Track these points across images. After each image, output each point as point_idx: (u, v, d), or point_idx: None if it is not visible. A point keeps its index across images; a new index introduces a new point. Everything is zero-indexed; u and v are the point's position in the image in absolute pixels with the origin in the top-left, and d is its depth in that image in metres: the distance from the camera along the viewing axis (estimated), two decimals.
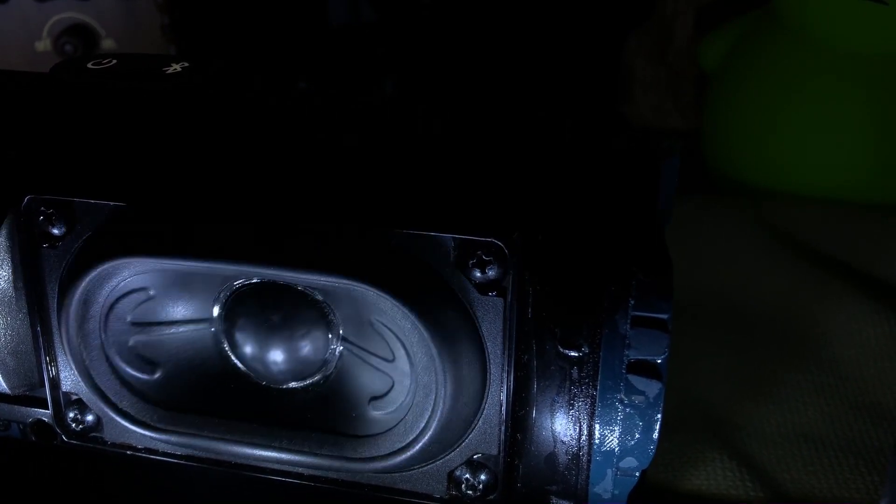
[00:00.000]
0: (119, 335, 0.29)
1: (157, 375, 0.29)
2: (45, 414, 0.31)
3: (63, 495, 0.33)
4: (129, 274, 0.28)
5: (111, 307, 0.28)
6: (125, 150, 0.29)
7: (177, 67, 0.32)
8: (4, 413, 0.31)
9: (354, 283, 0.26)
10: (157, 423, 0.29)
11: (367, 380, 0.28)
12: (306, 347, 0.28)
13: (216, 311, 0.29)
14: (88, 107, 0.31)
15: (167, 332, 0.29)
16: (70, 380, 0.30)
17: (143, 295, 0.29)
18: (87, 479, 0.33)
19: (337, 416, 0.29)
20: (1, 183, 0.29)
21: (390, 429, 0.28)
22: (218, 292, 0.29)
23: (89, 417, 0.30)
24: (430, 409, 0.26)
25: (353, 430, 0.28)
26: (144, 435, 0.29)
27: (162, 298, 0.29)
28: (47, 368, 0.30)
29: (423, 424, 0.27)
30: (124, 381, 0.29)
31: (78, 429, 0.31)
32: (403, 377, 0.27)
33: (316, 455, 0.28)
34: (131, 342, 0.29)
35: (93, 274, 0.27)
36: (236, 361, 0.29)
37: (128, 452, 0.31)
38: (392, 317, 0.26)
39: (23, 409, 0.31)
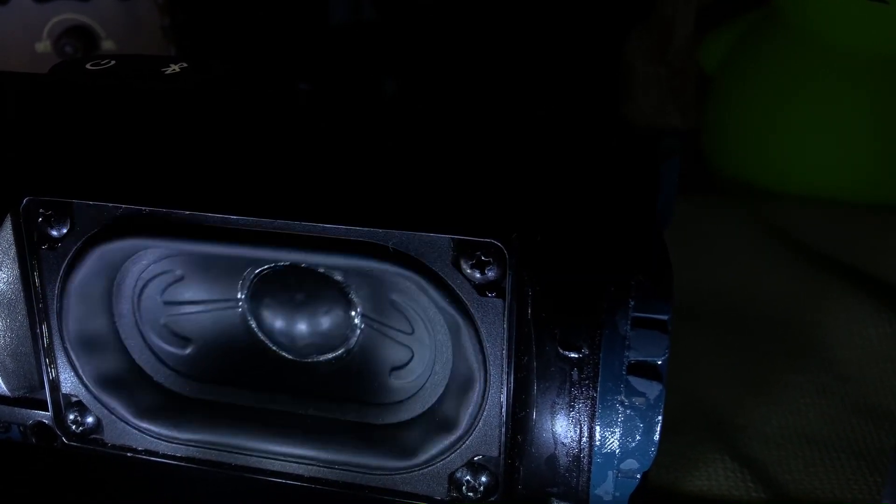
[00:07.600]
0: (152, 313, 0.30)
1: (188, 351, 0.31)
2: (45, 416, 0.31)
3: (63, 497, 0.33)
4: (156, 258, 0.29)
5: (143, 289, 0.29)
6: (124, 151, 0.29)
7: (175, 68, 0.32)
8: (5, 415, 0.31)
9: (373, 263, 0.26)
10: (191, 395, 0.30)
11: (388, 352, 0.29)
12: (328, 324, 0.30)
13: (242, 292, 0.30)
14: (87, 108, 0.31)
15: (197, 310, 0.30)
16: (70, 381, 0.30)
17: (171, 277, 0.30)
18: (87, 481, 0.33)
19: (359, 385, 0.30)
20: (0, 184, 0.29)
21: (411, 396, 0.29)
22: (243, 275, 0.30)
23: (89, 419, 0.31)
24: (449, 374, 0.27)
25: (376, 399, 0.29)
26: (151, 429, 0.30)
27: (190, 280, 0.30)
28: (47, 370, 0.30)
29: (441, 390, 0.28)
30: (158, 357, 0.30)
31: (78, 430, 0.31)
32: (423, 348, 0.28)
33: (339, 433, 0.29)
34: (163, 320, 0.30)
35: (121, 244, 0.28)
36: (263, 338, 0.30)
37: (128, 454, 0.31)
38: (410, 294, 0.27)
39: (23, 411, 0.31)
